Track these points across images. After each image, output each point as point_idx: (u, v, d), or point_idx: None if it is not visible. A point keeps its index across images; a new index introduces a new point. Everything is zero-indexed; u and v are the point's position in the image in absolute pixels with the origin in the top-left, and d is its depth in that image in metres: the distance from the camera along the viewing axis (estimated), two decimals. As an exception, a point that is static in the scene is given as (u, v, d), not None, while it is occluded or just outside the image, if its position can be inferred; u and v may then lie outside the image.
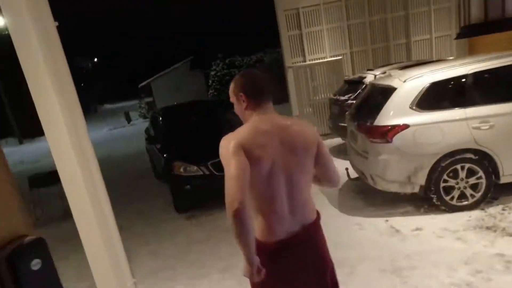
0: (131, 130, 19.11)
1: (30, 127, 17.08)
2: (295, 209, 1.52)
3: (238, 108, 1.58)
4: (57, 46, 2.25)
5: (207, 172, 4.75)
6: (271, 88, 1.56)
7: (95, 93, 43.81)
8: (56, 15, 2.25)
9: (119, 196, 6.58)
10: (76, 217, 2.41)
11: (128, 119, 24.69)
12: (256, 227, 1.50)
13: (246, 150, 1.39)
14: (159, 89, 25.48)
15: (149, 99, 27.08)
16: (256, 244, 1.42)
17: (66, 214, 4.12)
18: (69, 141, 2.22)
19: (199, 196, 5.14)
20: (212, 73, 24.94)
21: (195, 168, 4.78)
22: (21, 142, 21.32)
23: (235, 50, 25.73)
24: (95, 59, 53.61)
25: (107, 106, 41.23)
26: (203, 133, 5.48)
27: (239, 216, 1.32)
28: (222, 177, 1.43)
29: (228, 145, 1.42)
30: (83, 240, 2.46)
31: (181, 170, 4.81)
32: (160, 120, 6.60)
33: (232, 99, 1.59)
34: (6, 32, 24.39)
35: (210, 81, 25.20)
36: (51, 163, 2.23)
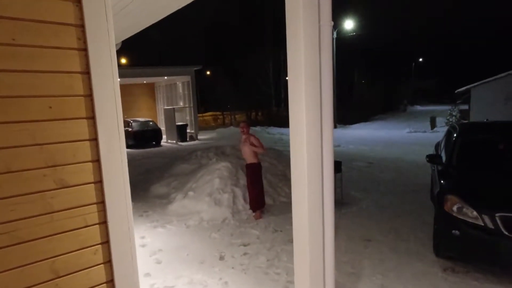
0: (430, 137, 17.68)
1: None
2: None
3: None
4: (325, 44, 2.20)
5: (491, 226, 3.47)
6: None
7: (410, 92, 43.59)
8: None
9: (382, 202, 6.29)
10: (294, 216, 2.38)
11: (433, 125, 22.99)
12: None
13: None
14: (479, 98, 21.67)
15: (465, 107, 23.78)
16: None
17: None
18: (305, 138, 2.18)
19: (473, 248, 3.88)
20: None
21: (474, 213, 3.61)
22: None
23: None
24: (420, 59, 52.93)
25: (418, 107, 39.98)
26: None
27: None
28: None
29: None
30: (294, 237, 2.41)
31: (454, 209, 3.78)
32: (453, 137, 5.46)
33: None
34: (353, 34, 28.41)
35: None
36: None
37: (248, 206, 6.09)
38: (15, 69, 1.46)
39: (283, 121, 26.55)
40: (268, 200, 6.42)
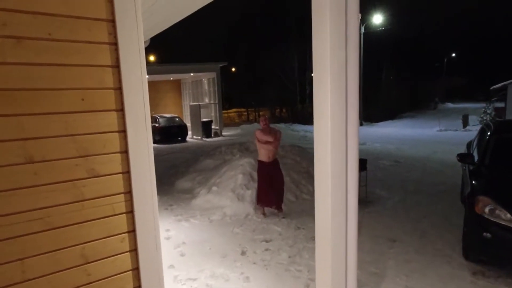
0: (462, 136, 16.95)
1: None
2: None
3: None
4: (352, 37, 2.16)
5: (526, 229, 3.29)
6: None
7: (441, 89, 41.90)
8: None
9: (409, 202, 6.11)
10: (317, 213, 2.36)
11: (465, 123, 22.02)
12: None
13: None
14: (517, 95, 20.54)
15: (500, 105, 22.60)
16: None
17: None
18: (329, 134, 2.16)
19: (506, 251, 3.70)
20: None
21: (508, 216, 3.43)
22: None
23: None
24: (453, 54, 50.75)
25: (449, 105, 38.38)
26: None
27: None
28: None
29: None
30: (317, 235, 2.40)
31: (486, 210, 3.62)
32: (488, 135, 5.21)
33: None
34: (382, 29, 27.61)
35: None
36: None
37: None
38: (51, 63, 1.54)
39: (308, 118, 26.30)
40: (291, 198, 6.40)
